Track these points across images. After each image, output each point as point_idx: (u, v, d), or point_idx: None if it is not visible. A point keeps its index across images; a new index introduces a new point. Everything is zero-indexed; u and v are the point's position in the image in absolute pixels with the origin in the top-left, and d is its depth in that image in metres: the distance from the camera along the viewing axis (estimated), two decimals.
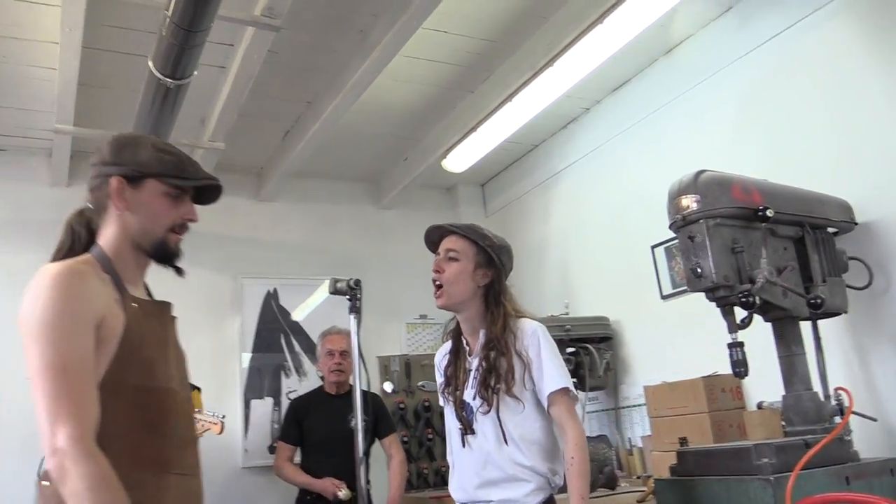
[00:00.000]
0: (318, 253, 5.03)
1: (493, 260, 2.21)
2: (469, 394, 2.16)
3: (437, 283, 2.20)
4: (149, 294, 1.70)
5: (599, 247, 4.39)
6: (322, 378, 4.19)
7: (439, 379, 2.36)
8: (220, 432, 3.51)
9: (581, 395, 3.91)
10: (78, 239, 1.63)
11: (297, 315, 4.86)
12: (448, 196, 5.64)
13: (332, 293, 2.27)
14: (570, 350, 3.92)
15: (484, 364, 2.11)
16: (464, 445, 2.16)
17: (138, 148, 1.62)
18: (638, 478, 3.60)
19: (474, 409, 2.13)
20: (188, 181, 1.63)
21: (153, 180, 1.60)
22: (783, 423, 2.59)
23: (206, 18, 2.43)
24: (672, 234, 2.87)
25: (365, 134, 4.63)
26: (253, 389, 4.57)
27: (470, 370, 2.18)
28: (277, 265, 4.89)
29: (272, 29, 3.04)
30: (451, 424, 2.23)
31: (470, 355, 2.22)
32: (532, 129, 4.58)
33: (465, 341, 2.26)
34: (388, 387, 4.78)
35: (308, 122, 4.22)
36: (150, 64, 2.74)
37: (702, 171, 2.58)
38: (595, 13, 3.30)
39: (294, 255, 4.97)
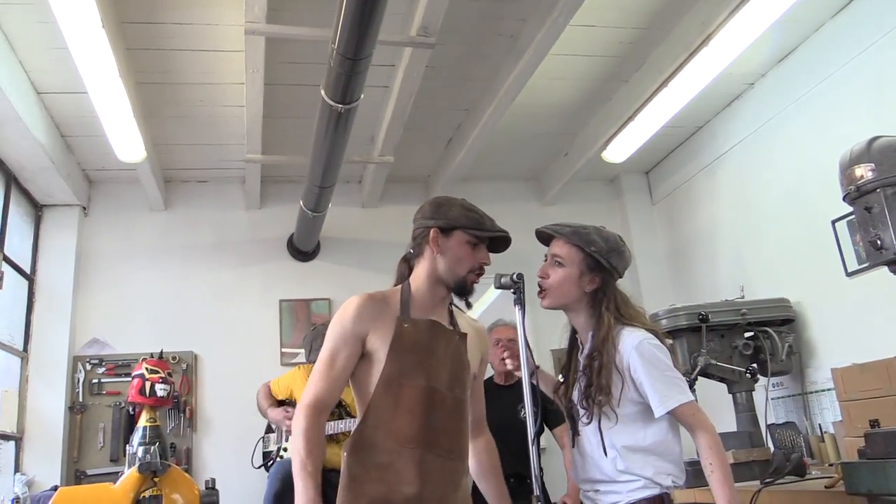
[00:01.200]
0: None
1: (602, 265, 2.13)
2: (576, 395, 2.14)
3: (542, 287, 2.18)
4: (451, 321, 2.10)
5: (774, 226, 4.20)
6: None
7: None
8: None
9: (763, 380, 3.78)
10: (401, 276, 2.09)
11: (471, 313, 5.05)
12: (611, 187, 5.62)
13: (497, 287, 2.39)
14: (748, 335, 3.80)
15: (587, 373, 2.08)
16: (573, 445, 2.16)
17: (450, 207, 2.04)
18: (830, 465, 3.42)
19: (581, 414, 2.11)
20: (485, 232, 2.02)
21: (460, 231, 2.00)
22: None
23: (367, 46, 2.65)
24: None
25: (524, 134, 4.75)
26: None
27: (579, 370, 2.14)
28: None
29: (428, 46, 3.23)
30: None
31: (580, 353, 2.18)
32: (694, 111, 4.48)
33: (578, 339, 2.23)
34: (561, 379, 4.84)
35: (468, 128, 4.40)
36: (322, 92, 3.02)
37: (876, 138, 2.44)
38: None
39: None
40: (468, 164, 4.73)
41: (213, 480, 2.62)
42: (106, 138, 3.88)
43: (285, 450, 4.00)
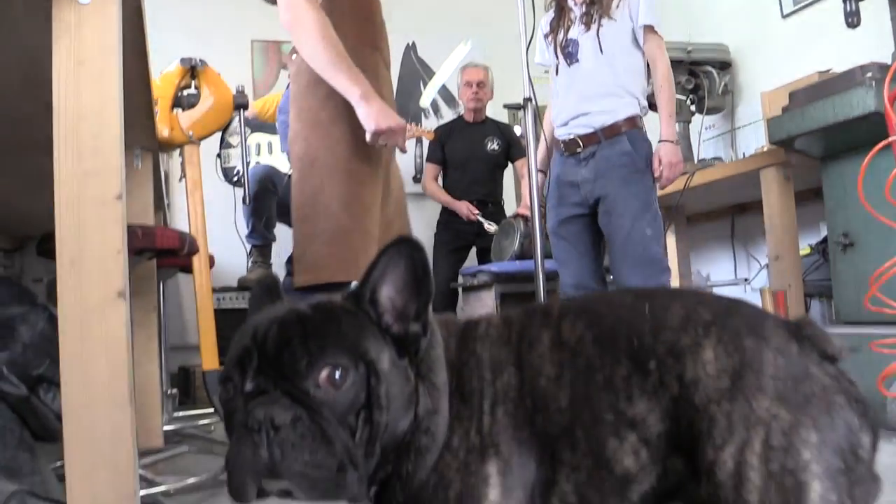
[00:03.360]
0: (454, 10, 5.43)
1: None
2: (575, 31, 2.64)
3: None
4: None
5: None
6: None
7: (542, 37, 2.82)
8: (433, 138, 4.53)
9: (697, 119, 4.29)
10: None
11: (439, 72, 5.36)
12: None
13: None
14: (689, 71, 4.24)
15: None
16: (557, 73, 2.69)
17: None
18: None
19: (578, 41, 2.61)
20: None
21: None
22: None
23: None
24: None
25: None
26: None
27: (575, 17, 2.66)
28: (416, 21, 5.33)
29: None
30: (552, 63, 2.75)
31: (575, 5, 2.69)
32: None
33: (568, 2, 2.72)
34: (517, 130, 5.29)
35: None
36: None
37: None
38: None
39: (432, 12, 5.38)
40: None
41: (243, 86, 2.88)
42: None
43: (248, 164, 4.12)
